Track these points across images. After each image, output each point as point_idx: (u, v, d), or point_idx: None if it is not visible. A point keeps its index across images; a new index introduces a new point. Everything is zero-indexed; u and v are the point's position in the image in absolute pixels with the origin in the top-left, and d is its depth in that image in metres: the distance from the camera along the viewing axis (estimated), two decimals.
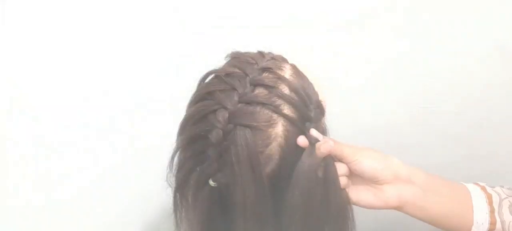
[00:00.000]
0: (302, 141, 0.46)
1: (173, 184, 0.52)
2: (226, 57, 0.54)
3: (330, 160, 0.47)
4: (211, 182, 0.47)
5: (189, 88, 0.54)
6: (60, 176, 0.63)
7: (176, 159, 0.51)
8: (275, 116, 0.46)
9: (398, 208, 0.50)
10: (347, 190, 0.50)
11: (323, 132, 0.51)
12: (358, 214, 0.52)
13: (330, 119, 0.52)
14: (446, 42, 0.79)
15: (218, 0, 0.86)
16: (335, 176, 0.48)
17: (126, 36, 0.76)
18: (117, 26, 0.72)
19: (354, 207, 0.51)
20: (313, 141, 0.47)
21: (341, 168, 0.50)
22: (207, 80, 0.52)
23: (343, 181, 0.49)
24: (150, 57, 0.86)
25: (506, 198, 0.51)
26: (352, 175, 0.50)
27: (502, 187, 0.54)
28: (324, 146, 0.46)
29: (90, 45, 0.66)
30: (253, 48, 0.55)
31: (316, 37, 0.85)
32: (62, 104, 0.61)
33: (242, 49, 0.55)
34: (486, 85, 0.81)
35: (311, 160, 0.46)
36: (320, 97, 0.50)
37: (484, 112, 0.84)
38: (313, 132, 0.47)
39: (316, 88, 0.50)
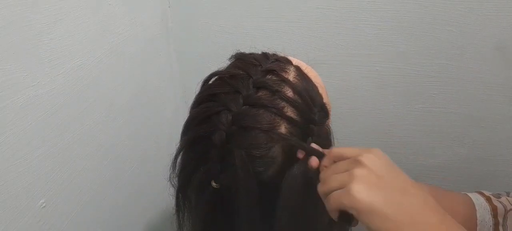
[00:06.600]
0: (300, 155, 0.46)
1: (176, 184, 0.52)
2: (230, 58, 0.54)
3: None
4: (214, 184, 0.47)
5: (192, 88, 0.53)
6: (60, 176, 0.62)
7: (179, 159, 0.51)
8: (278, 118, 0.46)
9: None
10: None
11: (327, 134, 0.51)
12: None
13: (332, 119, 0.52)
14: (446, 42, 0.79)
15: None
16: None
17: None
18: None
19: None
20: (311, 154, 0.46)
21: None
22: (210, 81, 0.52)
23: None
24: (153, 57, 0.86)
25: None
26: None
27: (508, 195, 0.53)
28: (310, 161, 0.46)
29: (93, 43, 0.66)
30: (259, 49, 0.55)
31: (315, 37, 0.85)
32: (61, 103, 0.61)
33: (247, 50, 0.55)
34: (486, 85, 0.81)
35: (298, 172, 0.46)
36: (325, 100, 0.50)
37: (484, 112, 0.84)
38: (313, 146, 0.46)
39: (321, 91, 0.50)
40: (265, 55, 0.52)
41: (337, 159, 0.44)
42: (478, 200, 0.52)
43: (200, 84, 0.52)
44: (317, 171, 0.46)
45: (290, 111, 0.47)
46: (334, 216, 0.42)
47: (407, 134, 0.90)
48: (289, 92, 0.47)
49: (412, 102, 0.87)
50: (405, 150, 0.92)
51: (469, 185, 0.92)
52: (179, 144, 0.51)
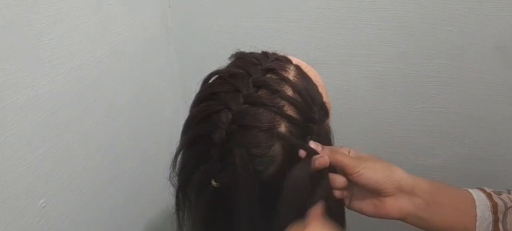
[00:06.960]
0: (302, 153, 0.47)
1: (176, 184, 0.52)
2: (230, 57, 0.54)
3: (324, 173, 0.47)
4: (214, 182, 0.47)
5: (192, 88, 0.53)
6: (60, 176, 0.62)
7: (179, 158, 0.51)
8: (278, 117, 0.46)
9: (400, 219, 0.50)
10: (346, 201, 0.51)
11: (327, 133, 0.51)
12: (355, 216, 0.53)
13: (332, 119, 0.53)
14: (446, 42, 0.79)
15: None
16: (328, 189, 0.48)
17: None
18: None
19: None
20: (311, 153, 0.46)
21: (338, 181, 0.49)
22: (210, 80, 0.52)
23: (338, 194, 0.50)
24: (153, 57, 0.86)
25: None
26: (354, 185, 0.50)
27: (509, 192, 0.52)
28: (318, 161, 0.46)
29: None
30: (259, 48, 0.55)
31: (315, 37, 0.85)
32: (61, 103, 0.61)
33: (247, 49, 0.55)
34: (486, 85, 0.81)
35: (300, 171, 0.46)
36: (324, 99, 0.50)
37: (484, 112, 0.84)
38: (312, 144, 0.47)
39: (320, 90, 0.50)
40: (265, 54, 0.52)
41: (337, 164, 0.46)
42: (478, 196, 0.51)
43: (200, 83, 0.53)
44: (318, 170, 0.46)
45: (290, 110, 0.46)
46: None
47: (407, 134, 0.90)
48: (289, 91, 0.47)
49: (412, 102, 0.87)
50: (405, 150, 0.92)
51: (469, 185, 0.91)
52: (179, 143, 0.51)
